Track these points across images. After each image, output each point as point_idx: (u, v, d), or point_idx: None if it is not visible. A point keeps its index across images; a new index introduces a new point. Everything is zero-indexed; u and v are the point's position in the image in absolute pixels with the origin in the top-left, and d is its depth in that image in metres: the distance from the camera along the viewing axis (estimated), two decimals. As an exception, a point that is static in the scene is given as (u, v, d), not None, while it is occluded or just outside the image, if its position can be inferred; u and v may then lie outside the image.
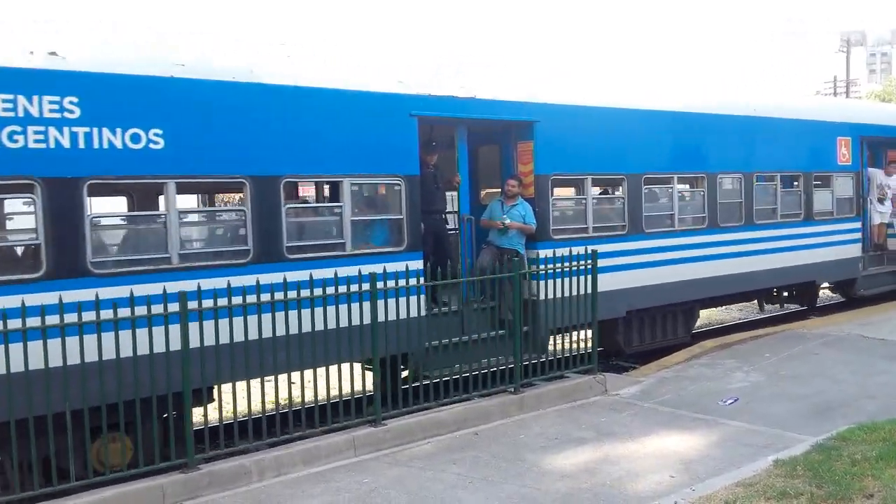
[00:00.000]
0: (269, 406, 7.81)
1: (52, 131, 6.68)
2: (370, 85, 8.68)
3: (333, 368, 7.62)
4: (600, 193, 11.86)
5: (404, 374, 8.78)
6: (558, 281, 9.24)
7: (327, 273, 7.71)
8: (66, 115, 6.73)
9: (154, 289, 6.73)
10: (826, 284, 15.46)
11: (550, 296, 9.14)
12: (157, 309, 6.54)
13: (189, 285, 6.91)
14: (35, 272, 6.67)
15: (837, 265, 14.29)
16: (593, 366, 9.64)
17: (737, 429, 7.89)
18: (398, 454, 7.39)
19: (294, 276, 7.52)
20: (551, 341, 9.90)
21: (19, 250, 7.27)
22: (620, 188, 11.18)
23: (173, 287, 6.75)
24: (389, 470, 6.98)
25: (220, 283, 7.18)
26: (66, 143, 6.74)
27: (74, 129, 6.77)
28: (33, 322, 6.02)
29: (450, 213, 10.87)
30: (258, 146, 7.79)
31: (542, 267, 9.22)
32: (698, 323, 15.79)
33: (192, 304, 6.67)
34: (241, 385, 7.21)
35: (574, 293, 9.36)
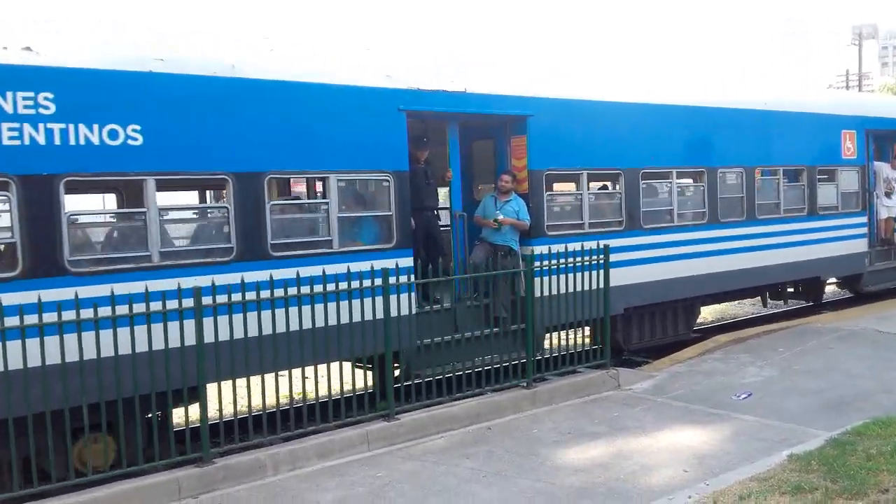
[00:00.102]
0: (283, 400, 7.81)
1: (27, 128, 6.56)
2: (357, 79, 8.55)
3: (346, 364, 7.58)
4: (599, 188, 11.74)
5: (396, 372, 8.67)
6: (562, 277, 9.17)
7: (314, 271, 7.60)
8: (42, 111, 6.61)
9: (134, 287, 6.63)
10: (833, 280, 15.36)
11: (546, 293, 9.02)
12: (140, 308, 6.48)
13: (170, 284, 6.85)
14: (11, 271, 6.56)
15: (842, 260, 14.11)
16: (606, 360, 9.64)
17: (750, 423, 7.86)
18: (412, 448, 7.42)
19: (279, 274, 7.42)
20: (562, 337, 9.80)
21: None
22: (618, 183, 11.01)
23: (154, 286, 6.68)
24: (403, 464, 7.00)
25: (201, 281, 7.01)
26: (41, 139, 6.63)
27: (50, 125, 6.66)
28: (11, 322, 5.95)
29: (444, 209, 10.75)
30: (241, 142, 7.67)
31: (553, 262, 9.08)
32: (711, 318, 15.78)
33: (187, 302, 6.65)
34: (255, 380, 7.22)
35: (576, 288, 9.27)
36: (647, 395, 9.14)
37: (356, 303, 7.56)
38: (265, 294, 7.06)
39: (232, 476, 6.64)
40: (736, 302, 15.56)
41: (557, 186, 11.34)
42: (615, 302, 9.92)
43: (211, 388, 7.04)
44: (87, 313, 6.22)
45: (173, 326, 6.58)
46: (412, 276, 8.28)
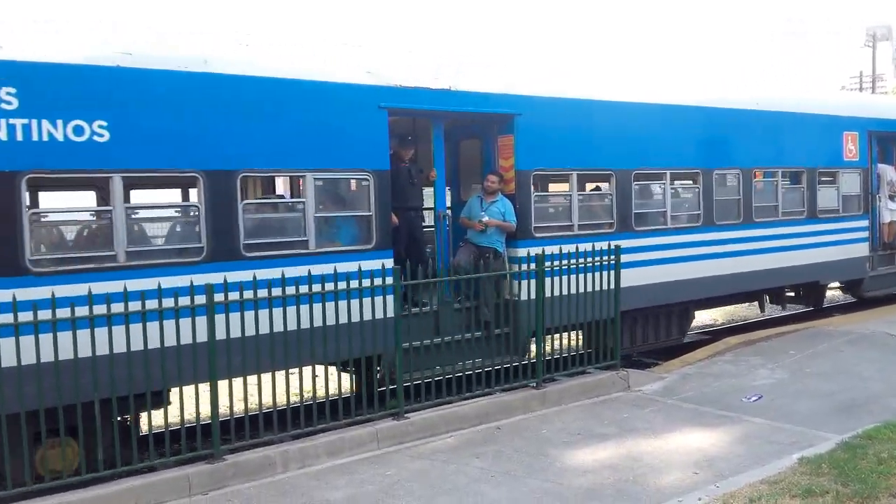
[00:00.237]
0: (294, 398, 7.83)
1: (-12, 123, 6.37)
2: (336, 75, 8.35)
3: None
4: (592, 189, 11.51)
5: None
6: (568, 277, 9.09)
7: (289, 272, 7.44)
8: (3, 106, 6.44)
9: (99, 287, 6.46)
10: (837, 284, 15.07)
11: (532, 296, 8.83)
12: (101, 309, 6.28)
13: (136, 284, 6.71)
14: None
15: (843, 265, 13.82)
16: (616, 361, 9.63)
17: (761, 426, 7.84)
18: (421, 447, 7.44)
19: (252, 274, 7.18)
20: (571, 337, 9.74)
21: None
22: (609, 184, 10.81)
23: (119, 286, 6.51)
24: (412, 463, 7.02)
25: (169, 282, 6.90)
26: (2, 135, 6.45)
27: (12, 120, 6.48)
28: None
29: (429, 209, 10.44)
30: (213, 139, 7.48)
31: (564, 262, 9.02)
32: (722, 320, 15.66)
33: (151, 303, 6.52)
34: (266, 377, 7.25)
35: (584, 289, 9.18)
36: (656, 396, 9.12)
37: (330, 305, 7.40)
38: (233, 296, 6.89)
39: (242, 473, 6.68)
40: (746, 304, 15.40)
41: (545, 187, 11.17)
42: (608, 306, 9.54)
43: (203, 387, 6.95)
44: (45, 314, 6.07)
45: (136, 329, 6.42)
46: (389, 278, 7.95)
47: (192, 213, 7.66)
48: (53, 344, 6.07)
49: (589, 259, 9.24)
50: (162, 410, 7.00)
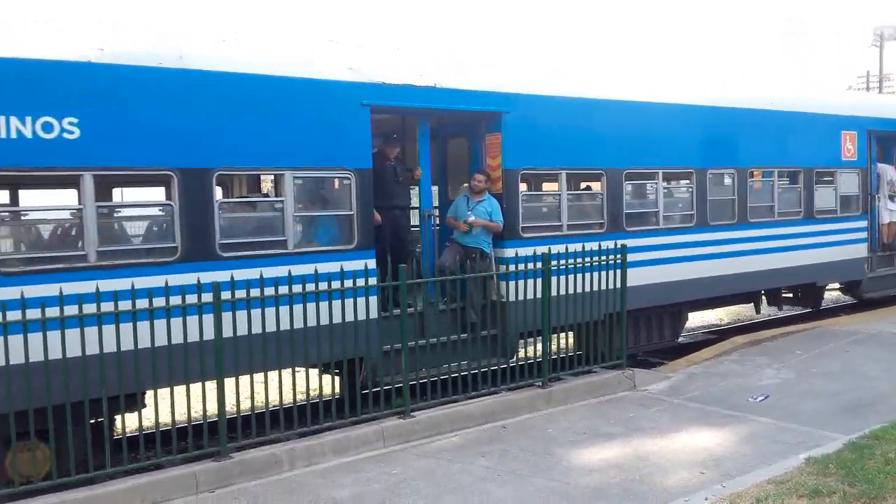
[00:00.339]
0: (300, 397, 7.83)
1: (-48, 121, 6.25)
2: (317, 72, 8.19)
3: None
4: (584, 189, 11.36)
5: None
6: (569, 277, 8.99)
7: (266, 272, 7.25)
8: None
9: (69, 288, 6.28)
10: (838, 286, 14.90)
11: (521, 297, 8.67)
12: (72, 310, 6.12)
13: (107, 285, 6.51)
14: None
15: (840, 266, 13.67)
16: (622, 361, 9.64)
17: (767, 426, 7.83)
18: (427, 446, 7.45)
19: (228, 275, 6.96)
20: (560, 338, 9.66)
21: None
22: (599, 184, 10.67)
23: (89, 287, 6.37)
24: (418, 461, 7.04)
25: (142, 282, 6.73)
26: None
27: None
28: None
29: (415, 208, 10.22)
30: (188, 137, 7.32)
31: (570, 261, 8.99)
32: (728, 319, 15.62)
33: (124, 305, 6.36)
34: (272, 375, 7.25)
35: (582, 290, 9.10)
36: (662, 395, 9.12)
37: (310, 306, 7.24)
38: (207, 298, 6.68)
39: (248, 471, 6.69)
40: (752, 304, 15.27)
41: (534, 187, 11.03)
42: (598, 308, 9.38)
43: (195, 387, 6.85)
44: (12, 315, 5.92)
45: (108, 330, 6.26)
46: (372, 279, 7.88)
47: (165, 212, 7.48)
48: (24, 346, 5.92)
49: (595, 258, 9.20)
50: (170, 410, 7.00)
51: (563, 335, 9.61)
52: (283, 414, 7.22)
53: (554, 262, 8.88)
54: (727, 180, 12.06)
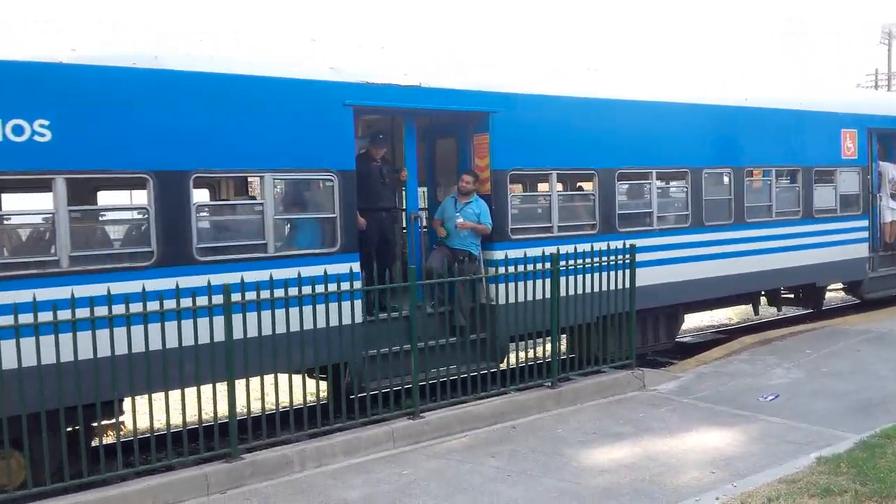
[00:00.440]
0: (310, 398, 7.84)
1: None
2: (298, 72, 8.06)
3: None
4: (578, 189, 11.21)
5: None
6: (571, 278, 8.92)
7: (246, 277, 7.02)
8: None
9: (41, 294, 6.18)
10: (841, 286, 14.76)
11: (510, 300, 8.56)
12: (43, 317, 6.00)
13: (81, 290, 6.36)
14: None
15: (841, 266, 13.45)
16: (631, 361, 9.64)
17: (778, 425, 7.83)
18: (436, 447, 7.49)
19: (205, 280, 6.83)
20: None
21: None
22: (591, 184, 10.53)
23: (62, 293, 6.26)
24: (428, 462, 7.07)
25: (117, 287, 6.51)
26: None
27: None
28: None
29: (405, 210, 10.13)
30: (164, 139, 7.19)
31: (582, 261, 8.98)
32: (737, 318, 15.57)
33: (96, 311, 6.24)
34: (282, 377, 7.27)
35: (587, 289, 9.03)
36: (672, 395, 9.12)
37: (292, 311, 7.09)
38: (186, 303, 6.58)
39: (259, 472, 6.74)
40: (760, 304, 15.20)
41: (523, 188, 10.82)
42: (590, 310, 9.20)
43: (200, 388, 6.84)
44: None
45: (84, 336, 6.13)
46: (357, 283, 7.67)
47: (141, 216, 7.36)
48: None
49: (604, 258, 9.19)
50: (179, 411, 7.03)
51: (562, 336, 9.48)
52: (294, 415, 7.24)
53: (563, 263, 8.87)
54: (723, 180, 11.88)
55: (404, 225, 10.30)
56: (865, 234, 13.93)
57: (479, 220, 9.17)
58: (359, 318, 7.82)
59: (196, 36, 7.82)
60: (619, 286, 9.39)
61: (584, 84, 10.58)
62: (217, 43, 8.12)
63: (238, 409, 6.99)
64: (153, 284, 6.72)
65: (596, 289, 9.18)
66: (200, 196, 8.17)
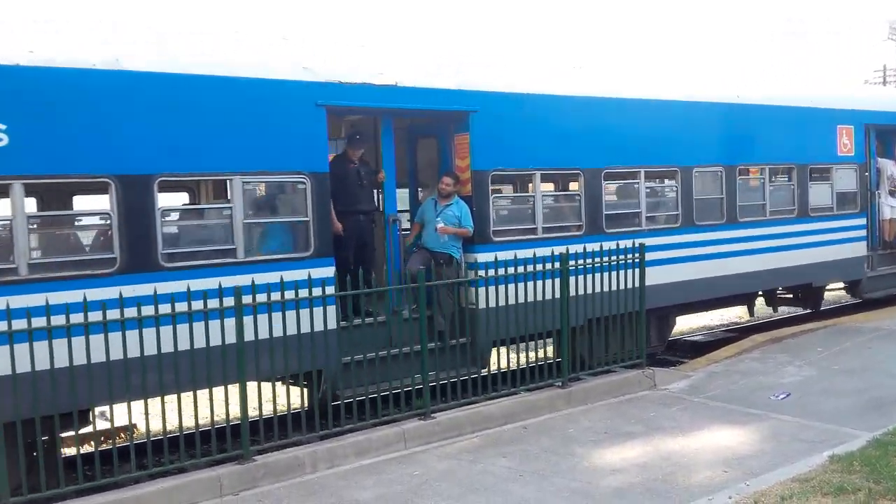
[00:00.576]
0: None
1: None
2: (268, 71, 7.90)
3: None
4: (561, 190, 11.04)
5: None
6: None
7: (213, 283, 6.88)
8: None
9: None
10: (841, 285, 14.56)
11: (493, 304, 8.39)
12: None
13: (40, 299, 6.15)
14: None
15: (838, 265, 13.21)
16: (642, 360, 9.68)
17: (790, 424, 7.86)
18: (448, 447, 7.54)
19: (171, 287, 6.72)
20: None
21: None
22: (577, 184, 10.30)
23: (19, 301, 6.14)
24: (439, 463, 7.11)
25: (77, 296, 6.36)
26: None
27: None
28: None
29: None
30: (126, 142, 7.01)
31: (589, 261, 8.97)
32: (747, 318, 15.48)
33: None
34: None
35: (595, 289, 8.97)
36: (683, 394, 9.14)
37: (261, 318, 6.88)
38: (148, 311, 6.40)
39: (271, 473, 6.80)
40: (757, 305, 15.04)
41: (505, 189, 10.68)
42: (576, 313, 8.98)
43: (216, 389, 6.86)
44: None
45: (40, 347, 5.94)
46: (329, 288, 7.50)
47: (103, 222, 7.22)
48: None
49: (613, 257, 9.18)
50: (191, 415, 7.04)
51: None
52: (305, 416, 7.25)
53: (572, 262, 8.87)
54: (715, 178, 11.64)
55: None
56: (863, 233, 13.71)
57: (460, 223, 9.00)
58: (332, 325, 7.61)
59: (160, 35, 7.73)
60: (629, 285, 9.39)
61: (568, 82, 10.45)
62: (184, 42, 8.00)
63: (249, 412, 7.02)
64: (116, 292, 6.49)
65: (603, 288, 9.14)
66: (167, 200, 7.96)
